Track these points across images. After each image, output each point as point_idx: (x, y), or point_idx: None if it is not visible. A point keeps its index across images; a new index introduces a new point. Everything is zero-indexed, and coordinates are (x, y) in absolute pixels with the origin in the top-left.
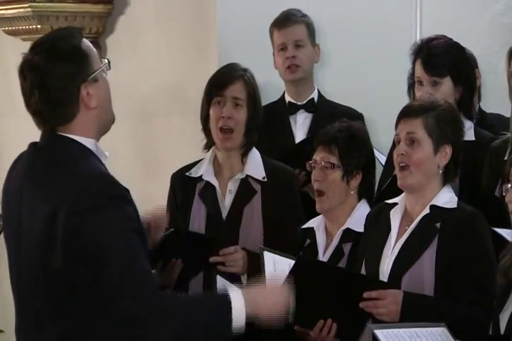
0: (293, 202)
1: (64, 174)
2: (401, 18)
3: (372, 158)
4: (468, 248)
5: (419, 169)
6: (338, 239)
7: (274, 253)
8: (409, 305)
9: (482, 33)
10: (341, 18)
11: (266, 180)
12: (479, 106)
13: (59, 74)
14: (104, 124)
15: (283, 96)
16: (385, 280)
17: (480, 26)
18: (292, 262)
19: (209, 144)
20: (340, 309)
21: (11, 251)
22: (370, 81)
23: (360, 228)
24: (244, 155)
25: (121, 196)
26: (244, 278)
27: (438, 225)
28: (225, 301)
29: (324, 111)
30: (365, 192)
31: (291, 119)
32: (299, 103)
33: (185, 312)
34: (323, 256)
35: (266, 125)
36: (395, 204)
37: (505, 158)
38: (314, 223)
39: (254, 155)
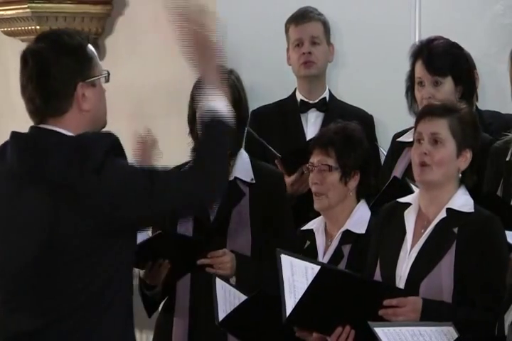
0: (281, 205)
1: (54, 150)
2: (402, 21)
3: (369, 157)
4: (485, 254)
5: (440, 168)
6: (337, 241)
7: (292, 256)
8: (428, 313)
9: (481, 33)
10: (349, 20)
11: (254, 182)
12: (476, 106)
13: (60, 65)
14: (95, 129)
15: (294, 94)
16: (403, 285)
17: (479, 27)
18: (310, 265)
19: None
20: (358, 316)
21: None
22: (380, 83)
23: (359, 229)
24: (232, 156)
25: (111, 147)
26: (233, 281)
27: (456, 230)
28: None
29: (335, 111)
30: (363, 193)
31: (303, 117)
32: (311, 101)
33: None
34: (323, 258)
35: (277, 122)
36: (408, 204)
37: (507, 158)
38: (314, 225)
39: (243, 158)
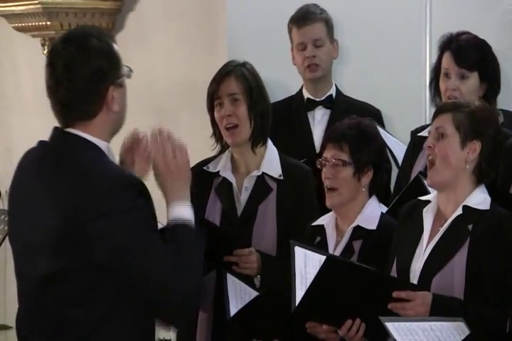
0: (308, 201)
1: (76, 174)
2: (410, 15)
3: (382, 154)
4: (499, 252)
5: (444, 163)
6: (348, 237)
7: (306, 248)
8: (438, 308)
9: (491, 30)
10: (355, 15)
11: (282, 178)
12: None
13: (92, 70)
14: (117, 129)
15: (300, 92)
16: (416, 280)
17: (489, 23)
18: (323, 257)
19: (222, 149)
20: (368, 309)
21: (16, 252)
22: (386, 77)
23: (370, 225)
24: (254, 146)
25: (137, 194)
26: (257, 280)
27: (470, 227)
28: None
29: (342, 107)
30: (375, 189)
31: (309, 115)
32: (318, 99)
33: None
34: (334, 253)
35: (283, 121)
36: (428, 201)
37: None
38: (324, 220)
39: (272, 153)
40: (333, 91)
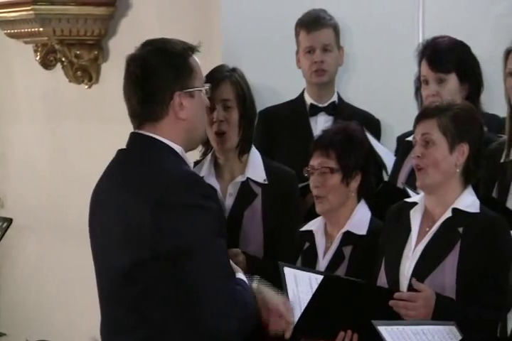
0: (294, 206)
1: (151, 172)
2: (403, 20)
3: (370, 157)
4: (491, 255)
5: (435, 169)
6: (338, 242)
7: (294, 268)
8: (440, 310)
9: (486, 34)
10: (359, 23)
11: (267, 182)
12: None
13: (159, 72)
14: (192, 139)
15: (301, 96)
16: (406, 282)
17: (484, 27)
18: (313, 275)
19: (205, 152)
20: (363, 322)
21: (96, 259)
22: (389, 86)
23: (360, 231)
24: (241, 153)
25: (208, 195)
26: None
27: (460, 230)
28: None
29: (344, 114)
30: (364, 193)
31: (312, 121)
32: (321, 105)
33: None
34: (323, 259)
35: (285, 124)
36: (415, 203)
37: (502, 160)
38: (313, 226)
39: (255, 158)
40: (335, 98)
